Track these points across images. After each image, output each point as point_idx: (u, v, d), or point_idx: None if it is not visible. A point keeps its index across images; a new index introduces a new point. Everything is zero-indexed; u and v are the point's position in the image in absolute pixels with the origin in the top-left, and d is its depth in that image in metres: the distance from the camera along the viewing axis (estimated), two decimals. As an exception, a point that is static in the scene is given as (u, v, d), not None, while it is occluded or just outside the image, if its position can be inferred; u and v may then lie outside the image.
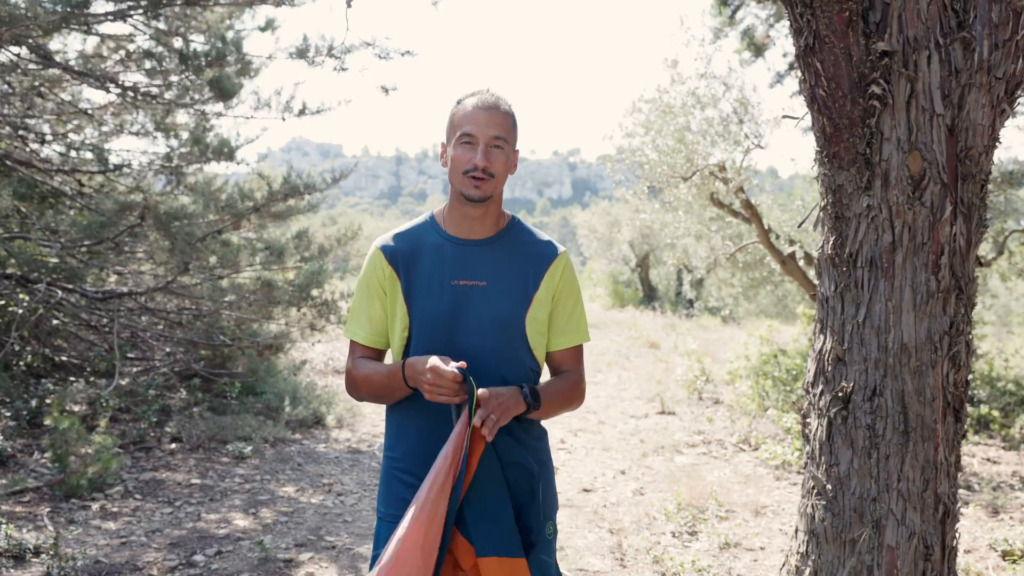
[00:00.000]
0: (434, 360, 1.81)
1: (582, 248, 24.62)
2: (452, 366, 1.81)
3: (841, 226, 2.85)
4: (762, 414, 7.26)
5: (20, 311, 5.52)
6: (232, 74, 6.24)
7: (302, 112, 6.38)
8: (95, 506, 4.56)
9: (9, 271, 5.68)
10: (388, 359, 2.13)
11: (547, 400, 1.96)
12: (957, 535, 2.88)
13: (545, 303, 2.03)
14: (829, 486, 2.88)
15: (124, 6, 5.57)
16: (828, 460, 2.89)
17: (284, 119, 6.40)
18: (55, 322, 6.20)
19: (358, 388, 2.03)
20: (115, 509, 4.56)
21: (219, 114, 6.49)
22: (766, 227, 7.36)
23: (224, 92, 5.96)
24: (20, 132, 6.22)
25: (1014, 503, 5.15)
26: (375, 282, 2.02)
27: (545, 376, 2.12)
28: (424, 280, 1.98)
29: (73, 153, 6.71)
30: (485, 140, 1.91)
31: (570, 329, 2.08)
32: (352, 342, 2.08)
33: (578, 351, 2.11)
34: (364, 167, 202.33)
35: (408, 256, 2.01)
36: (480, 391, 1.82)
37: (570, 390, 2.06)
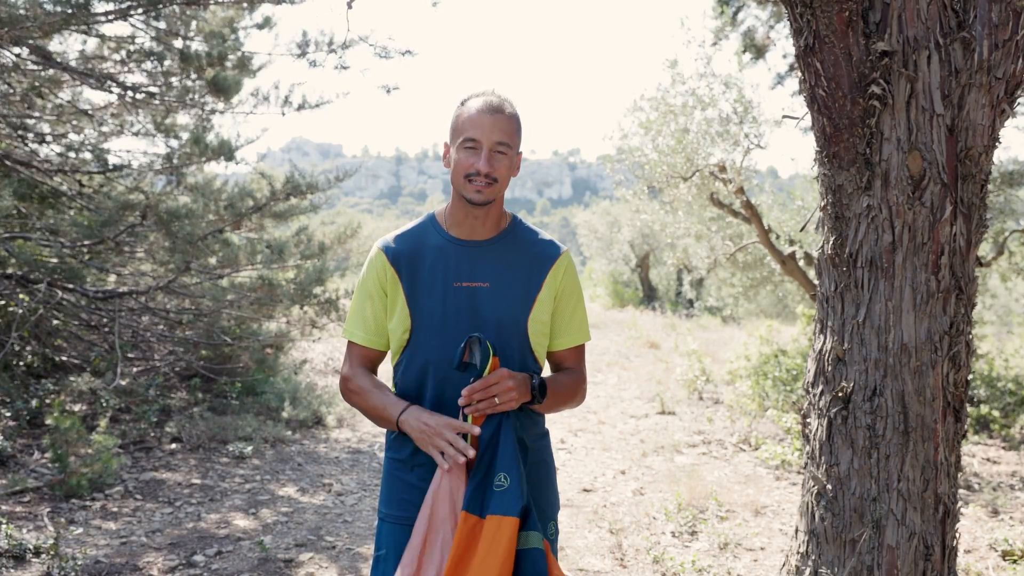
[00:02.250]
0: (451, 424, 1.81)
1: (582, 248, 24.63)
2: (464, 444, 1.79)
3: (841, 226, 2.85)
4: (762, 414, 7.26)
5: (20, 311, 5.52)
6: (232, 72, 6.24)
7: (301, 106, 6.36)
8: (95, 506, 4.56)
9: (9, 271, 5.68)
10: (387, 362, 2.12)
11: (552, 394, 1.97)
12: (957, 535, 2.89)
13: (547, 304, 2.02)
14: (829, 486, 2.88)
15: (124, 6, 5.57)
16: (828, 460, 2.89)
17: (284, 114, 6.39)
18: (55, 322, 6.20)
19: (350, 398, 2.04)
20: (115, 509, 4.56)
21: (219, 111, 6.48)
22: (766, 227, 7.36)
23: (223, 90, 5.97)
24: (20, 132, 6.22)
25: (1014, 503, 5.15)
26: (376, 283, 2.02)
27: (546, 375, 2.12)
28: (426, 281, 1.98)
29: (73, 153, 6.71)
30: (489, 145, 1.89)
31: (572, 329, 2.08)
32: (350, 343, 2.06)
33: (580, 350, 2.11)
34: (364, 167, 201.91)
35: (410, 257, 2.00)
36: (501, 370, 1.82)
37: (573, 386, 2.06)
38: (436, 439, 1.80)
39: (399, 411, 1.89)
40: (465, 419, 1.83)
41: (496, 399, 1.80)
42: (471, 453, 1.78)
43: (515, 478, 1.78)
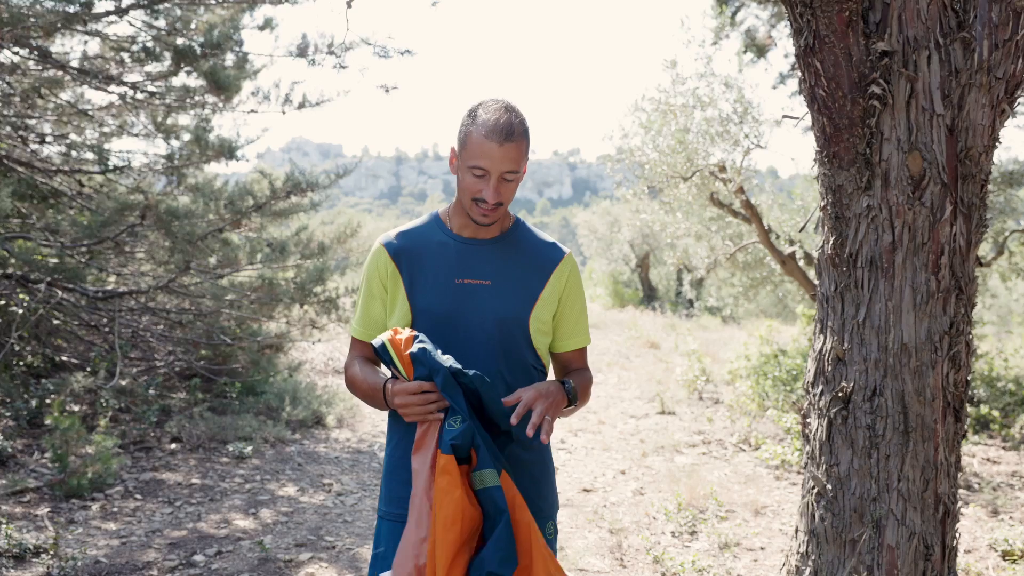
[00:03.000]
0: (407, 388, 1.80)
1: (582, 248, 24.63)
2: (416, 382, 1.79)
3: (841, 226, 2.85)
4: (762, 414, 7.26)
5: (20, 311, 5.52)
6: (230, 68, 6.24)
7: (302, 105, 6.36)
8: (95, 506, 4.56)
9: (9, 271, 5.68)
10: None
11: (580, 394, 2.01)
12: (957, 535, 2.89)
13: (550, 303, 2.04)
14: (829, 486, 2.88)
15: (125, 5, 5.57)
16: (828, 460, 2.89)
17: (284, 112, 6.38)
18: (55, 322, 6.20)
19: (351, 390, 2.06)
20: (115, 509, 4.56)
21: (220, 109, 6.48)
22: (766, 227, 7.36)
23: (223, 87, 5.96)
24: (20, 132, 6.22)
25: (1014, 503, 5.15)
26: (376, 278, 2.03)
27: (548, 376, 2.13)
28: (428, 278, 1.99)
29: (73, 153, 6.71)
30: (497, 175, 1.89)
31: (578, 331, 2.12)
32: (353, 338, 2.10)
33: (585, 351, 2.16)
34: (364, 167, 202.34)
35: (412, 253, 2.02)
36: (528, 392, 1.81)
37: (588, 386, 2.11)
38: (413, 409, 1.80)
39: (381, 393, 1.90)
40: (508, 435, 1.83)
41: (548, 417, 1.81)
42: (444, 403, 1.78)
43: (464, 421, 1.77)
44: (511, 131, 1.88)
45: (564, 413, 1.98)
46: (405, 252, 2.02)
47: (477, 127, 1.89)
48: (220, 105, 6.41)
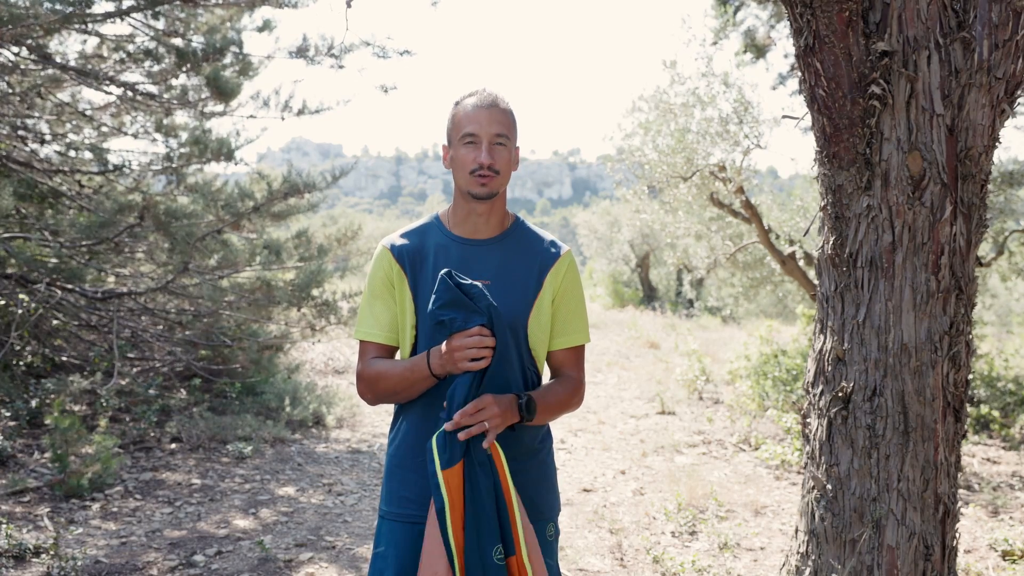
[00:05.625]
0: (461, 334, 1.82)
1: (582, 248, 24.64)
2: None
3: (841, 226, 2.85)
4: (762, 414, 7.26)
5: (20, 311, 5.52)
6: (231, 73, 6.23)
7: (301, 111, 6.36)
8: (95, 506, 4.56)
9: (9, 271, 5.68)
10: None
11: (543, 409, 1.94)
12: (957, 535, 2.89)
13: (547, 304, 2.03)
14: (829, 486, 2.88)
15: (125, 6, 5.56)
16: (828, 460, 2.89)
17: (283, 118, 6.38)
18: (55, 322, 6.20)
19: (374, 386, 1.99)
20: (115, 509, 4.56)
21: (218, 114, 6.48)
22: (766, 227, 7.36)
23: (222, 91, 5.96)
24: (20, 132, 6.22)
25: (1014, 503, 5.15)
26: (384, 279, 2.03)
27: (546, 377, 2.11)
28: (430, 279, 1.99)
29: (72, 153, 6.71)
30: (488, 138, 1.93)
31: (571, 328, 2.06)
32: (363, 343, 2.04)
33: (579, 352, 2.09)
34: (364, 167, 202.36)
35: (414, 254, 2.02)
36: (486, 396, 1.82)
37: (568, 396, 2.03)
38: (462, 351, 1.80)
39: (425, 361, 1.89)
40: (444, 436, 1.83)
41: (485, 423, 1.79)
42: (491, 341, 1.80)
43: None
44: (496, 102, 1.98)
45: (534, 423, 1.95)
46: (408, 253, 2.02)
47: (463, 106, 1.98)
48: (220, 109, 6.41)
